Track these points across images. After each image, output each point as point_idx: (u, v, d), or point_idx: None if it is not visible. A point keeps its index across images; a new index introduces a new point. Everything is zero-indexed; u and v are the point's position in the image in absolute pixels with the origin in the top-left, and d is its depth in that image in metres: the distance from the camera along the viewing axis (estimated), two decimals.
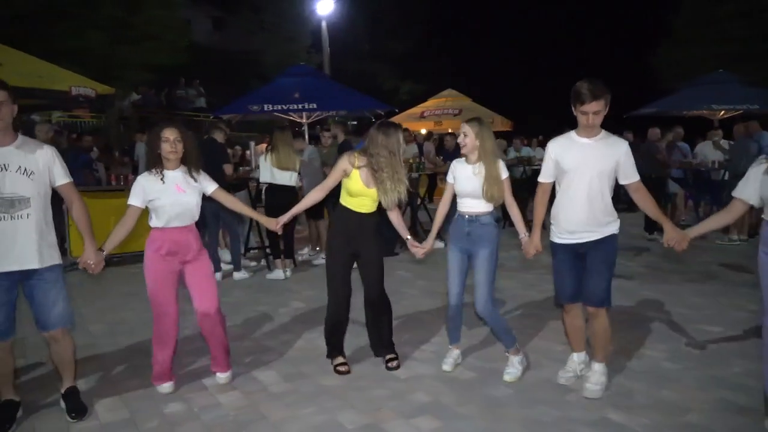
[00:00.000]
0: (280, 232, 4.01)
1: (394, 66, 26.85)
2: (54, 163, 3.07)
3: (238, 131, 12.41)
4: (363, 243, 3.65)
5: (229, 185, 6.14)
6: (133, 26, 13.79)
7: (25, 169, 2.94)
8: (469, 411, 3.17)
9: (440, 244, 7.65)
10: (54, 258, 3.07)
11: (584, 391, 3.28)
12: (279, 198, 5.92)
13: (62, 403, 3.23)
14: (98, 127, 10.54)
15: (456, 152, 4.28)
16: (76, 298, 5.54)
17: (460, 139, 3.55)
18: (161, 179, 3.36)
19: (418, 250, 3.77)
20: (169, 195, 3.34)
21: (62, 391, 3.25)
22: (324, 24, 18.66)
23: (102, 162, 8.69)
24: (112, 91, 7.72)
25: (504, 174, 3.49)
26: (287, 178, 6.18)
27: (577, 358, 3.53)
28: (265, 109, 9.90)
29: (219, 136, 6.26)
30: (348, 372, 3.69)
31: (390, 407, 3.23)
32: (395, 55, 27.07)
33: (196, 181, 3.45)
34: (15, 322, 3.08)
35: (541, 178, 3.41)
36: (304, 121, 10.92)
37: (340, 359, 3.75)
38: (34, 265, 2.96)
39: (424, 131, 15.70)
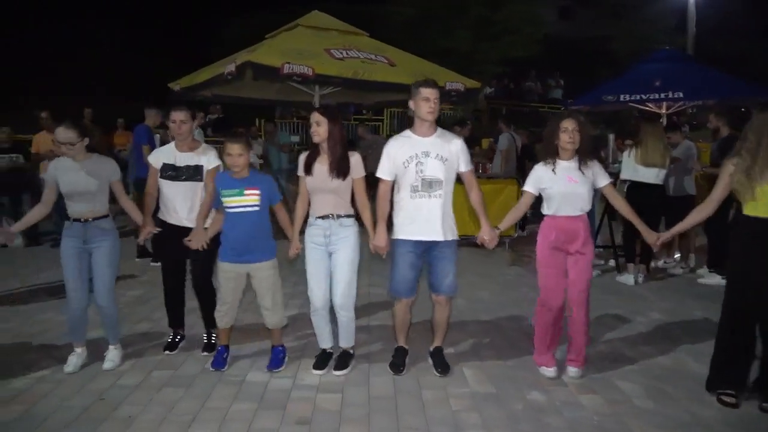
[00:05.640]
0: (656, 249, 3.74)
1: None
2: (462, 152, 3.49)
3: None
4: None
5: None
6: (494, 23, 14.70)
7: (441, 156, 3.42)
8: None
9: None
10: (453, 234, 3.51)
11: None
12: (643, 197, 5.46)
13: (429, 359, 3.72)
14: (461, 118, 11.68)
15: None
16: None
17: None
18: (553, 169, 3.49)
19: None
20: (560, 184, 3.46)
21: (431, 348, 3.75)
22: (692, 0, 16.43)
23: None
24: (478, 85, 8.35)
25: None
26: (653, 176, 5.65)
27: None
28: (621, 99, 9.28)
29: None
30: (735, 406, 3.18)
31: None
32: None
33: (587, 172, 3.46)
34: (417, 284, 3.61)
35: None
36: (663, 111, 9.87)
37: (727, 390, 3.25)
38: (438, 237, 3.44)
39: None
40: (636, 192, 5.66)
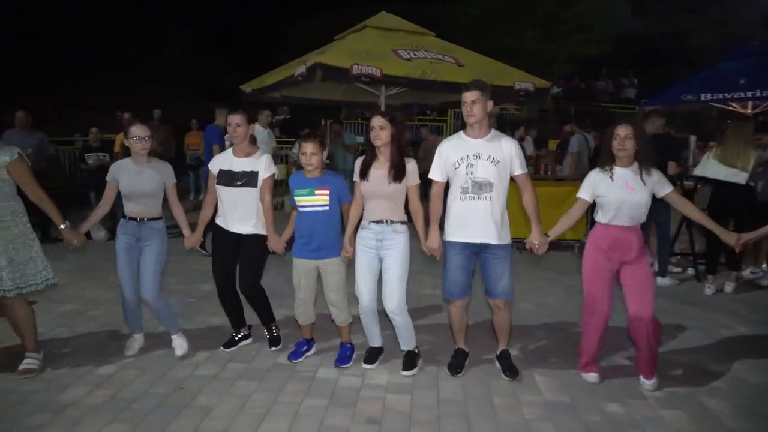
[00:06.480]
0: (738, 250, 3.51)
1: None
2: (515, 155, 3.40)
3: None
4: None
5: None
6: (565, 21, 14.27)
7: (493, 158, 3.35)
8: None
9: None
10: (505, 238, 3.45)
11: None
12: (727, 197, 5.14)
13: (497, 363, 3.68)
14: (527, 118, 11.42)
15: None
16: None
17: None
18: (610, 176, 3.39)
19: None
20: (617, 192, 3.36)
21: (497, 352, 3.70)
22: None
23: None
24: (549, 85, 8.13)
25: None
26: (730, 174, 5.29)
27: None
28: (702, 98, 8.81)
29: (672, 131, 5.91)
30: None
31: None
32: None
33: (647, 180, 3.34)
34: (471, 288, 3.57)
35: None
36: (748, 111, 9.27)
37: None
38: (487, 240, 3.38)
39: None
40: (721, 192, 5.35)
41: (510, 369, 3.58)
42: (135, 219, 3.75)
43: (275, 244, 3.75)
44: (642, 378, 3.47)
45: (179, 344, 3.89)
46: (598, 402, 3.27)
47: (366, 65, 6.76)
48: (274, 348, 3.97)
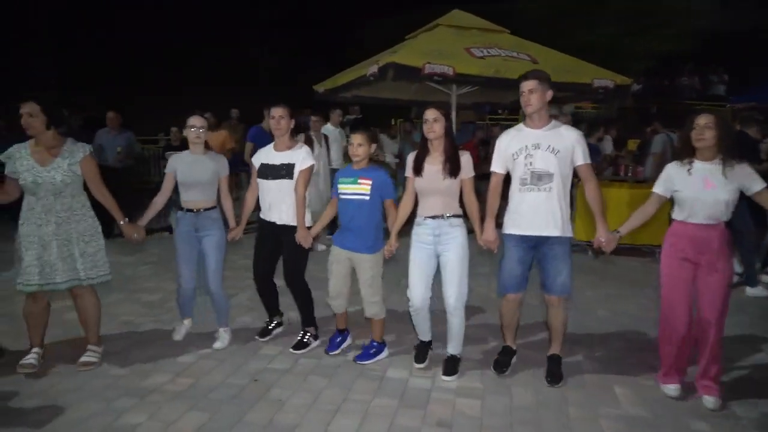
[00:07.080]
0: None
1: None
2: (578, 145, 3.29)
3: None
4: None
5: None
6: (645, 14, 13.57)
7: (553, 148, 3.25)
8: None
9: None
10: (566, 231, 3.32)
11: None
12: None
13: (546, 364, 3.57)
14: (605, 117, 10.94)
15: None
16: (578, 279, 5.91)
17: None
18: (688, 170, 3.17)
19: None
20: (694, 188, 3.15)
21: (547, 354, 3.59)
22: None
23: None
24: (630, 81, 7.74)
25: None
26: None
27: None
28: None
29: (752, 131, 5.46)
30: None
31: None
32: None
33: (731, 176, 3.09)
34: (526, 283, 3.48)
35: None
36: None
37: None
38: (545, 232, 3.28)
39: None
40: None
41: (552, 375, 3.48)
42: (192, 210, 3.92)
43: (303, 237, 3.79)
44: (704, 396, 3.23)
45: (223, 338, 4.05)
46: (683, 418, 3.08)
47: (438, 64, 6.71)
48: (293, 350, 3.93)
